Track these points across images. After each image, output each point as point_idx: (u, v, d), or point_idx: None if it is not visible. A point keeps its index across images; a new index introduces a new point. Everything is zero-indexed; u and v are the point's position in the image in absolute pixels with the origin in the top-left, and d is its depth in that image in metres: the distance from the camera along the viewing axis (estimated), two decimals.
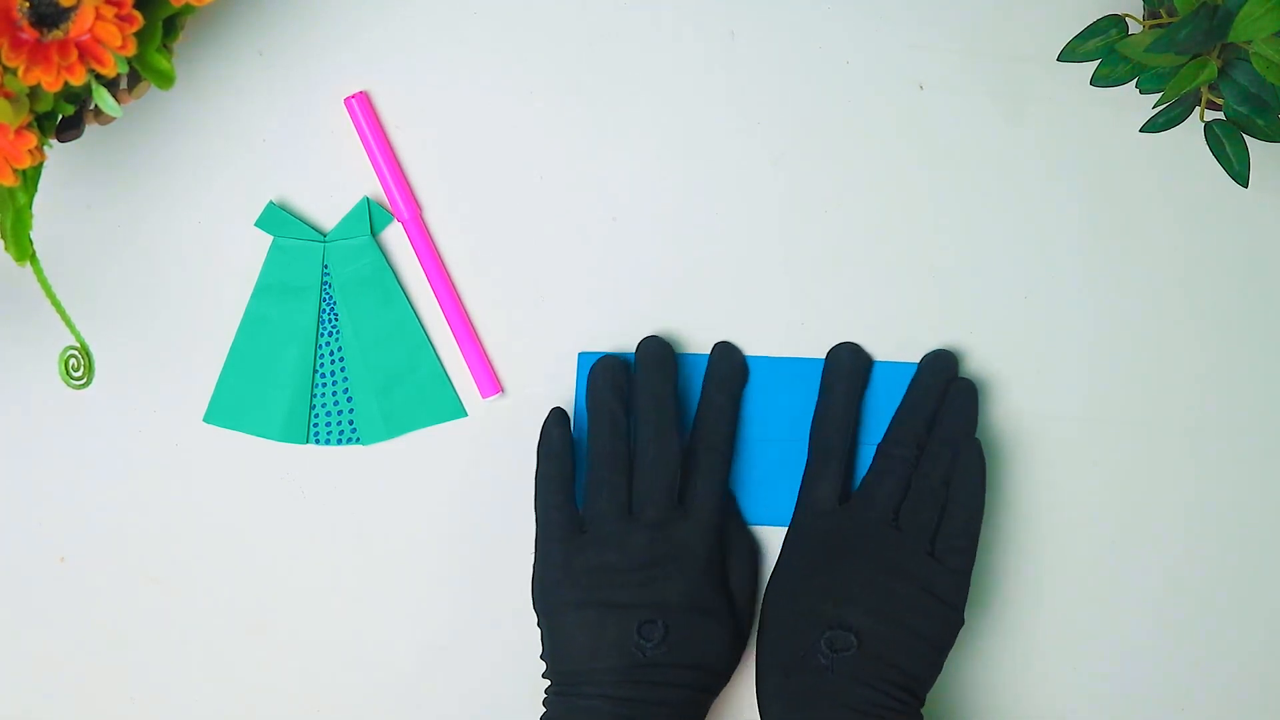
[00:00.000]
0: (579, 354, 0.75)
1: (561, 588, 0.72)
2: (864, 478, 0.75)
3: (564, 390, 0.76)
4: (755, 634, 0.75)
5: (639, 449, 0.73)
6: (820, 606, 0.72)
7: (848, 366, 0.75)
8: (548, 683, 0.73)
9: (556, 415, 0.74)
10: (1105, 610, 0.78)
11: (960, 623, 0.73)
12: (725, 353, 0.75)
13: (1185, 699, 0.78)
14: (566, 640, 0.72)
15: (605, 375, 0.73)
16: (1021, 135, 0.76)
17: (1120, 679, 0.78)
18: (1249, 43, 0.64)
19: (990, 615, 0.77)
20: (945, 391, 0.74)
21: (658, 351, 0.74)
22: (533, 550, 0.74)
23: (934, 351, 0.75)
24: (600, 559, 0.72)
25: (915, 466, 0.73)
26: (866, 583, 0.72)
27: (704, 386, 0.75)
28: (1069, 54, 0.70)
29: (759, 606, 0.75)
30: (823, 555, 0.73)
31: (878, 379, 0.76)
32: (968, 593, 0.73)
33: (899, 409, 0.75)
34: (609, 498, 0.72)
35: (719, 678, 0.73)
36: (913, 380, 0.75)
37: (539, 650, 0.75)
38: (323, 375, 0.76)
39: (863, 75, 0.75)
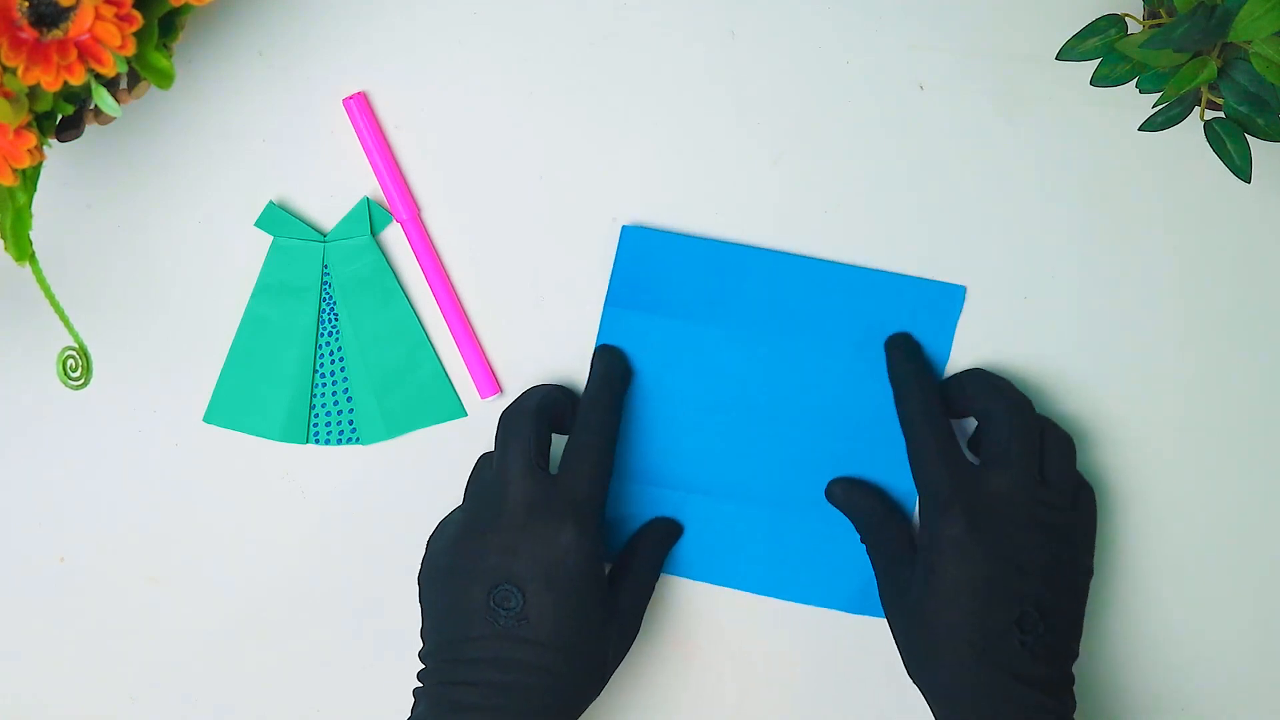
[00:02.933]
0: (623, 226, 0.75)
1: (433, 550, 0.72)
2: (985, 432, 0.72)
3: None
4: (904, 599, 0.71)
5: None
6: (1002, 582, 0.69)
7: (905, 344, 0.75)
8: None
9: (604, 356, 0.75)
10: (1104, 609, 0.78)
11: (1091, 574, 0.73)
12: (608, 353, 0.75)
13: (1184, 699, 0.78)
14: (430, 606, 0.71)
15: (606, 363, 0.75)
16: (1021, 135, 0.76)
17: (1123, 680, 0.78)
18: (1249, 42, 0.64)
19: None
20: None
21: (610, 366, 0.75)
22: None
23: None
24: (469, 520, 0.71)
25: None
26: (1036, 548, 0.69)
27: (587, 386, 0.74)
28: (1068, 53, 0.70)
29: (639, 621, 0.73)
30: (986, 524, 0.70)
31: (857, 283, 0.75)
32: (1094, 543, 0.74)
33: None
34: (489, 477, 0.72)
35: (589, 674, 0.70)
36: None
37: None
38: (323, 375, 0.76)
39: (863, 75, 0.75)
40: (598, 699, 0.72)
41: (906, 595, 0.71)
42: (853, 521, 0.75)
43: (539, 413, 0.71)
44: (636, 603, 0.73)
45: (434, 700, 0.69)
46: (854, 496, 0.75)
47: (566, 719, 0.70)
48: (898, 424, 0.74)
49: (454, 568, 0.70)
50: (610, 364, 0.75)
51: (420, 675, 0.71)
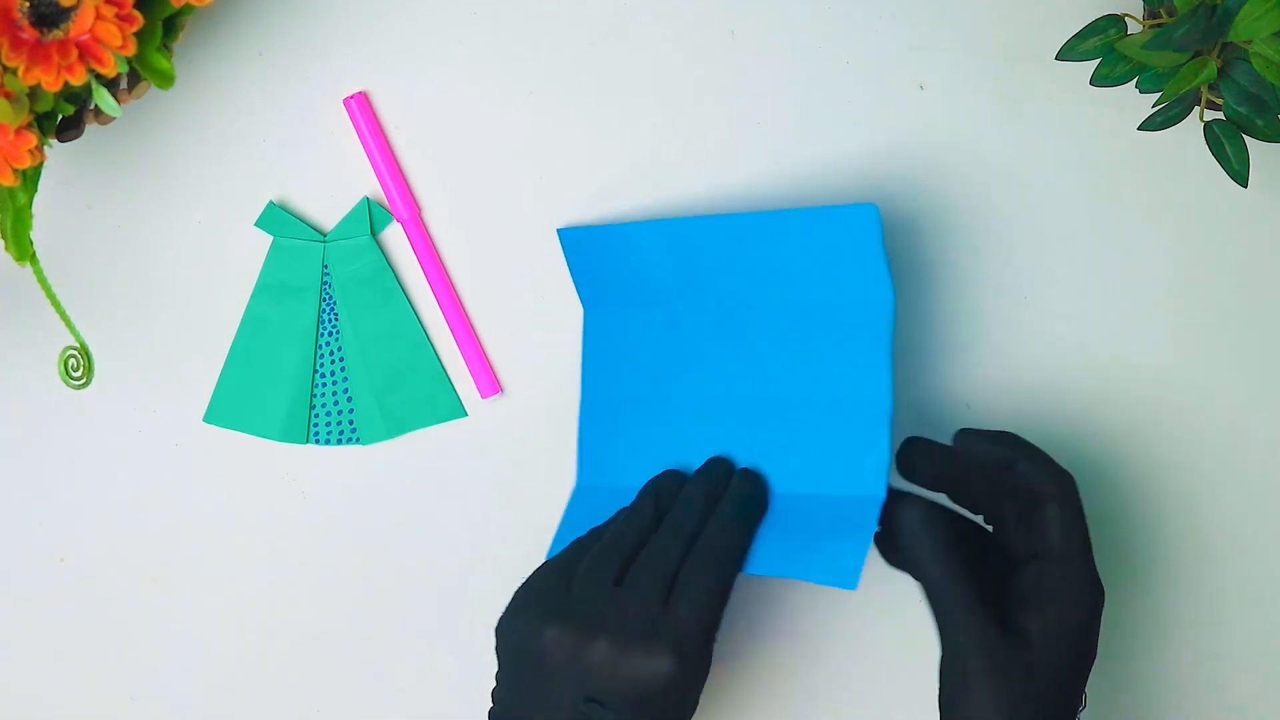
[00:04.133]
0: (558, 230, 0.74)
1: (530, 628, 0.66)
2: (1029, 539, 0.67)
3: (565, 390, 0.76)
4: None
5: (656, 534, 0.68)
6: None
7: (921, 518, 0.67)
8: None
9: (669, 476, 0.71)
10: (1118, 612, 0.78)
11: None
12: (747, 478, 0.71)
13: (1184, 699, 0.78)
14: (518, 683, 0.67)
15: (659, 481, 0.71)
16: (1021, 135, 0.76)
17: (1122, 680, 0.78)
18: (1249, 42, 0.64)
19: None
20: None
21: (722, 474, 0.71)
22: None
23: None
24: (572, 615, 0.66)
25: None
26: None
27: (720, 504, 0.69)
28: (1068, 53, 0.70)
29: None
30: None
31: (775, 227, 0.70)
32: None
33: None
34: (600, 562, 0.67)
35: None
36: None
37: None
38: (323, 375, 0.76)
39: (863, 75, 0.75)
40: None
41: (1011, 664, 0.65)
42: (918, 576, 0.67)
43: (650, 515, 0.69)
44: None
45: None
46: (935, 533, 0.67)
47: None
48: (852, 361, 0.70)
49: (547, 657, 0.66)
50: (751, 490, 0.70)
51: None
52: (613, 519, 0.71)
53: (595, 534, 0.70)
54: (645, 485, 0.72)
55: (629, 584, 0.66)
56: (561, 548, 0.71)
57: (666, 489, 0.71)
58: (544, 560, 0.70)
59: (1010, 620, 0.66)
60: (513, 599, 0.68)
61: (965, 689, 0.64)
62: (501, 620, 0.68)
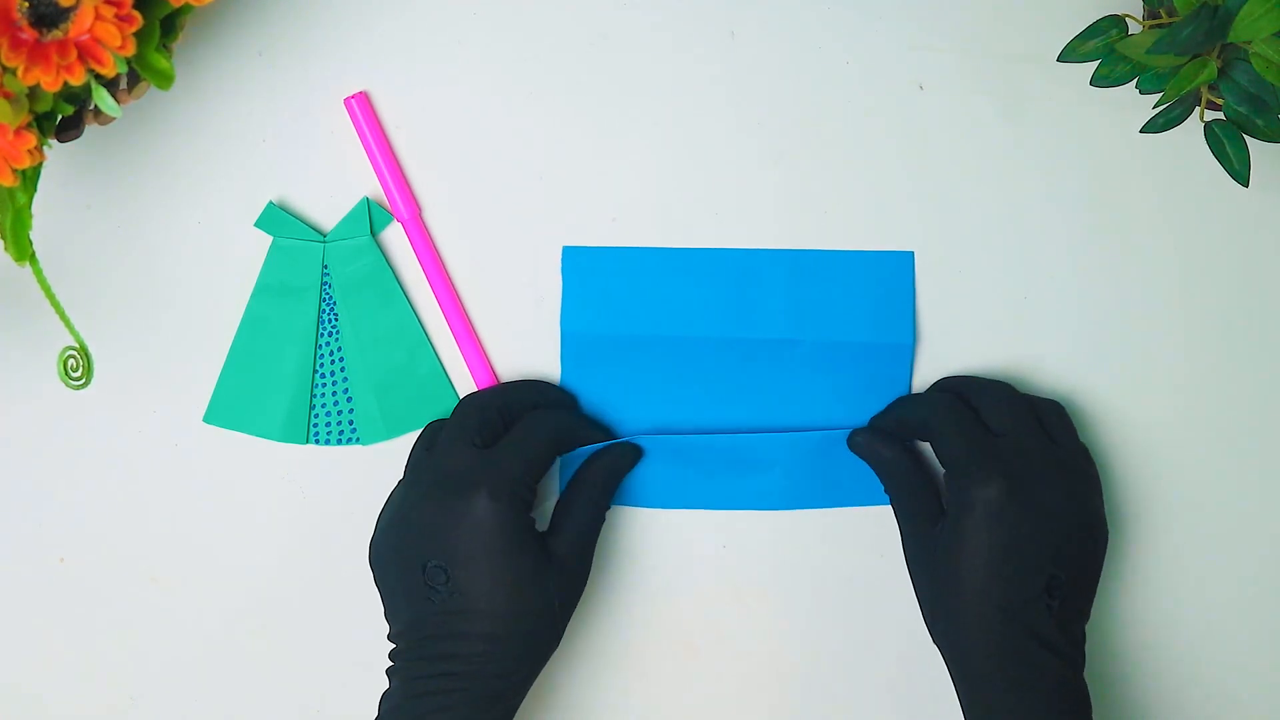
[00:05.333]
0: (564, 247, 0.75)
1: (378, 535, 0.72)
2: (987, 417, 0.73)
3: None
4: (942, 561, 0.71)
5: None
6: (1039, 544, 0.69)
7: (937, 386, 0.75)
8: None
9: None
10: (1103, 609, 0.78)
11: (1107, 536, 0.73)
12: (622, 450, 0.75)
13: (1183, 699, 0.78)
14: (382, 591, 0.72)
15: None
16: (1021, 135, 0.76)
17: (1122, 680, 0.78)
18: (1249, 43, 0.64)
19: None
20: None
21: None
22: None
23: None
24: (399, 499, 0.71)
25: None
26: (1064, 515, 0.70)
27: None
28: (1069, 54, 0.70)
29: (586, 563, 0.72)
30: (1023, 486, 0.70)
31: (824, 266, 0.75)
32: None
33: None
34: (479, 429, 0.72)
35: (538, 631, 0.70)
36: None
37: None
38: (323, 375, 0.76)
39: (862, 75, 0.75)
40: (564, 646, 0.72)
41: (933, 555, 0.71)
42: (876, 472, 0.75)
43: (494, 403, 0.73)
44: (577, 545, 0.72)
45: (405, 679, 0.69)
46: (877, 447, 0.74)
47: (528, 676, 0.70)
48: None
49: (391, 549, 0.71)
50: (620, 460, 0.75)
51: (391, 655, 0.71)
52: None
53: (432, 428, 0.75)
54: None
55: (444, 445, 0.71)
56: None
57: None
58: None
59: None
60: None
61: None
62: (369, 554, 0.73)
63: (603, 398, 0.76)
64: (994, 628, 0.69)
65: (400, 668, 0.70)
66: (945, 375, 0.76)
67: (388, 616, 0.71)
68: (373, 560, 0.72)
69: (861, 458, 0.75)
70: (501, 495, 0.69)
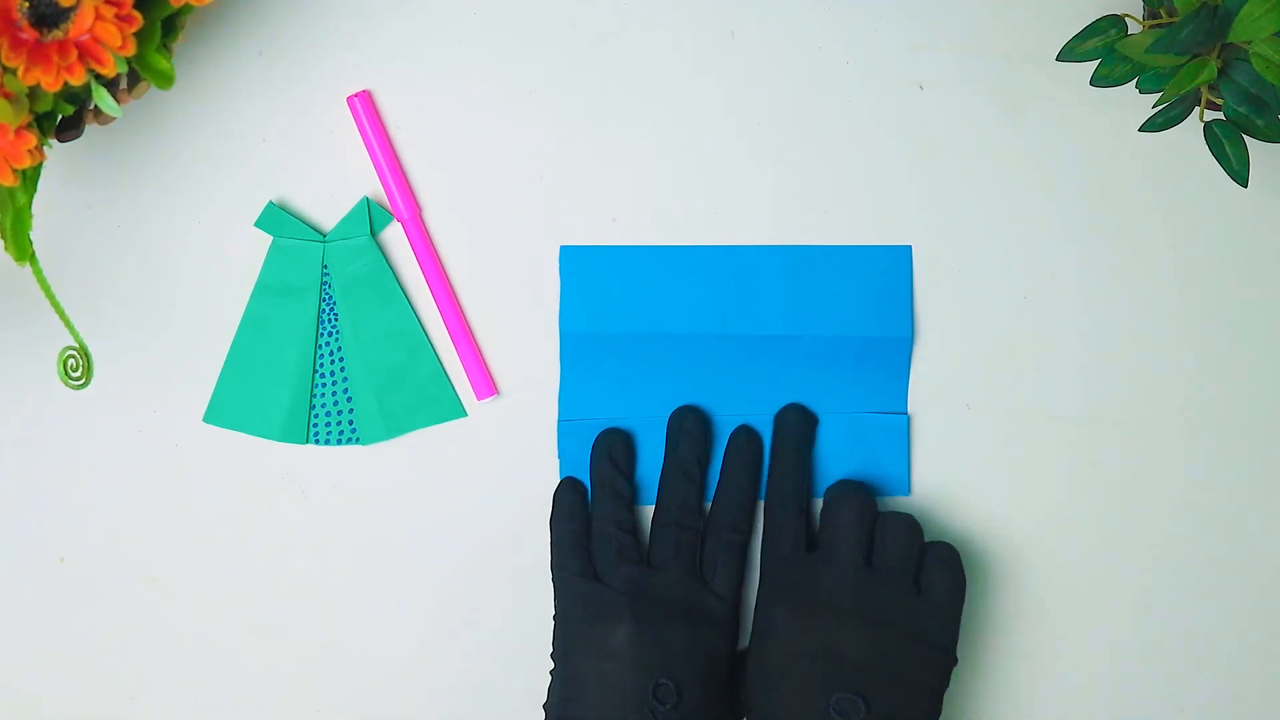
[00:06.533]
0: (561, 247, 0.75)
1: (582, 629, 0.72)
2: (820, 528, 0.74)
3: None
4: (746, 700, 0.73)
5: (660, 508, 0.74)
6: (819, 668, 0.70)
7: (795, 425, 0.75)
8: None
9: (568, 483, 0.75)
10: (1102, 612, 0.78)
11: (954, 663, 0.72)
12: (747, 437, 0.75)
13: (1183, 700, 0.78)
14: (579, 688, 0.71)
15: (603, 449, 0.75)
16: (1021, 135, 0.76)
17: (1119, 682, 0.78)
18: (1249, 43, 0.64)
19: (982, 630, 0.77)
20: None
21: (692, 425, 0.75)
22: (552, 604, 0.74)
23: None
24: (619, 603, 0.72)
25: (872, 511, 0.73)
26: (859, 636, 0.70)
27: (723, 469, 0.75)
28: (1068, 54, 0.70)
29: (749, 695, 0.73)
30: (805, 610, 0.71)
31: (822, 261, 0.75)
32: (958, 628, 0.72)
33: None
34: (619, 553, 0.73)
35: None
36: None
37: (537, 650, 0.75)
38: (323, 375, 0.76)
39: (862, 75, 0.75)
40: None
41: (743, 659, 0.73)
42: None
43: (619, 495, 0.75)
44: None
45: None
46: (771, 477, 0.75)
47: None
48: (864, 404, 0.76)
49: (610, 649, 0.71)
50: (693, 442, 0.75)
51: None
52: (574, 509, 0.74)
53: (566, 532, 0.74)
54: (592, 473, 0.75)
55: (661, 562, 0.73)
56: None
57: (608, 460, 0.75)
58: (553, 570, 0.74)
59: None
60: (561, 617, 0.73)
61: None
62: (558, 635, 0.73)
63: (602, 396, 0.76)
64: None
65: None
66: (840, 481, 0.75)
67: (565, 704, 0.72)
68: (573, 651, 0.72)
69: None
70: (731, 628, 0.73)
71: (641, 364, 0.75)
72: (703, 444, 0.75)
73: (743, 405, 0.76)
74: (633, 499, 0.75)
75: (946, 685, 0.72)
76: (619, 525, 0.73)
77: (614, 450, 0.75)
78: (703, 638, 0.72)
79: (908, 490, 0.76)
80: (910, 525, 0.72)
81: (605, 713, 0.70)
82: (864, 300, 0.75)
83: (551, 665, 0.74)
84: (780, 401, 0.76)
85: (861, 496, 0.73)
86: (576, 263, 0.75)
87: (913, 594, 0.71)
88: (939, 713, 0.72)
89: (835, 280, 0.75)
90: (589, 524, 0.74)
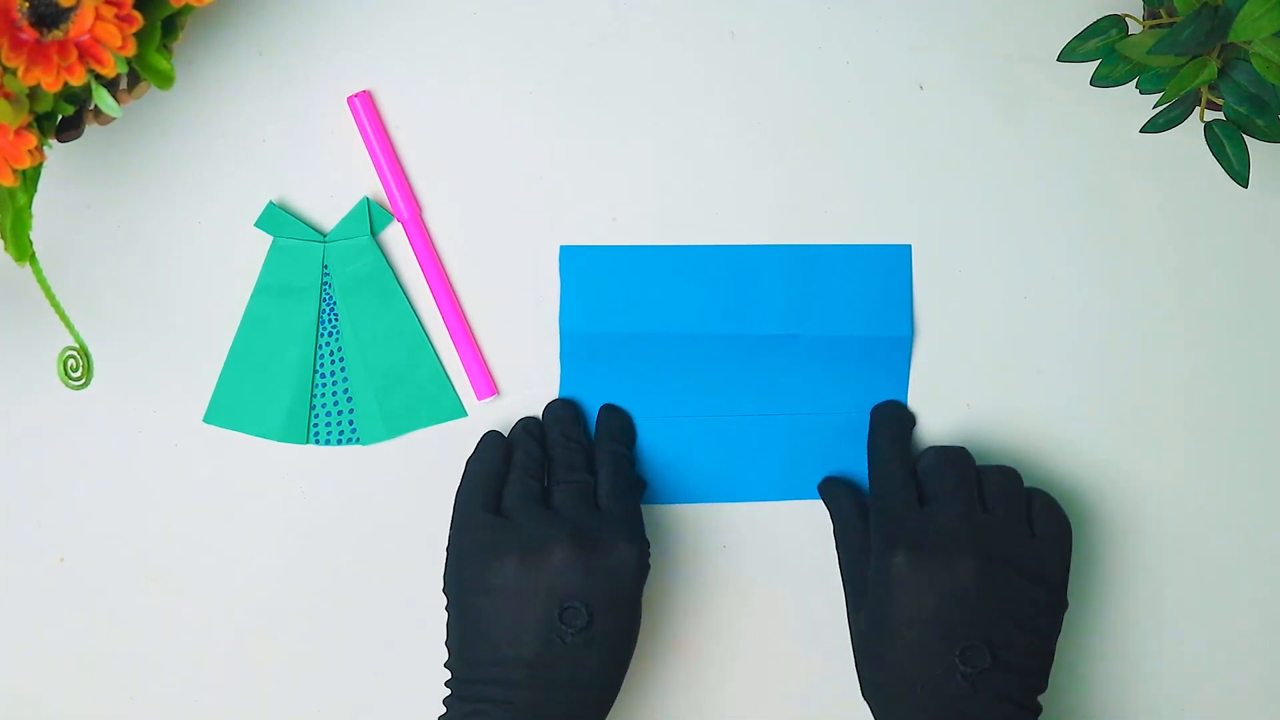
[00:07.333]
0: (561, 246, 0.75)
1: (482, 568, 0.70)
2: (926, 484, 0.72)
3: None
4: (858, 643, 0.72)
5: (552, 461, 0.74)
6: (944, 615, 0.69)
7: (893, 407, 0.76)
8: (447, 675, 0.71)
9: (490, 436, 0.75)
10: (1102, 611, 0.78)
11: (1065, 606, 0.71)
12: (612, 413, 0.76)
13: (1183, 700, 0.78)
14: (481, 623, 0.70)
15: (530, 423, 0.76)
16: (1021, 135, 0.76)
17: (1118, 681, 0.78)
18: (1249, 43, 0.64)
19: None
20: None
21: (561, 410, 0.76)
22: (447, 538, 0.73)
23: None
24: (518, 532, 0.70)
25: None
26: (981, 578, 0.69)
27: (596, 441, 0.76)
28: (1069, 54, 0.70)
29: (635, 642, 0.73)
30: (929, 555, 0.69)
31: (822, 261, 0.75)
32: (1069, 570, 0.71)
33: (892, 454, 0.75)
34: (523, 489, 0.72)
35: (611, 687, 0.71)
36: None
37: None
38: (323, 375, 0.76)
39: (862, 75, 0.75)
40: None
41: (859, 619, 0.72)
42: (831, 518, 0.76)
43: (533, 436, 0.75)
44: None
45: (516, 708, 0.69)
46: (831, 492, 0.76)
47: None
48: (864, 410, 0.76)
49: (510, 585, 0.70)
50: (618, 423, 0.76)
51: (451, 684, 0.71)
52: (490, 455, 0.74)
53: (480, 473, 0.73)
54: (514, 430, 0.76)
55: (560, 503, 0.71)
56: None
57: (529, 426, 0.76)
58: (456, 502, 0.73)
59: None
60: (452, 551, 0.72)
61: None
62: (450, 573, 0.71)
63: (603, 396, 0.76)
64: (912, 699, 0.69)
65: (502, 695, 0.69)
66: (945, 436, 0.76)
67: (464, 644, 0.71)
68: (467, 588, 0.71)
69: (822, 498, 0.76)
70: (637, 539, 0.71)
71: (642, 364, 0.75)
72: (577, 423, 0.76)
73: (743, 405, 0.76)
74: (546, 454, 0.74)
75: (1059, 631, 0.71)
76: (528, 471, 0.73)
77: (550, 410, 0.75)
78: (602, 557, 0.70)
79: None
80: (1013, 474, 0.72)
81: (510, 644, 0.69)
82: (864, 299, 0.75)
83: (445, 602, 0.72)
84: (781, 401, 0.76)
85: (962, 452, 0.73)
86: (576, 263, 0.75)
87: (1028, 535, 0.71)
88: (1051, 661, 0.71)
89: (835, 279, 0.75)
90: (502, 472, 0.74)
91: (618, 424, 0.76)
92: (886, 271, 0.75)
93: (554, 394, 0.76)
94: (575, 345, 0.75)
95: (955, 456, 0.72)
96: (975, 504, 0.71)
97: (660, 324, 0.75)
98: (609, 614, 0.70)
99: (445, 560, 0.72)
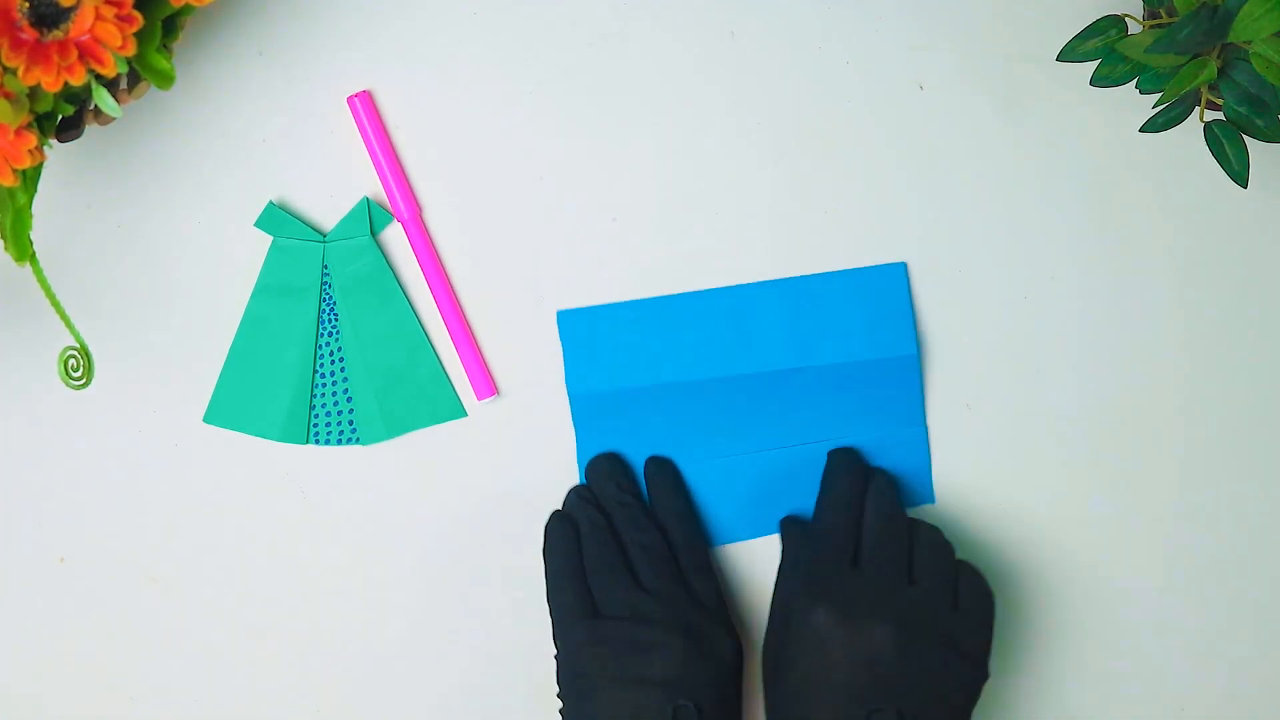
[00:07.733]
0: (558, 312, 0.75)
1: (592, 663, 0.71)
2: (864, 544, 0.73)
3: (561, 394, 0.76)
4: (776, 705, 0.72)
5: (626, 544, 0.74)
6: (859, 677, 0.69)
7: (846, 454, 0.75)
8: None
9: (555, 521, 0.75)
10: (1101, 611, 0.78)
11: (986, 677, 0.71)
12: (660, 467, 0.76)
13: (1183, 699, 0.78)
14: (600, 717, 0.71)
15: (582, 490, 0.76)
16: (1021, 135, 0.76)
17: (1118, 680, 0.78)
18: (1249, 43, 0.64)
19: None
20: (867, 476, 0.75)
21: (606, 466, 0.76)
22: (552, 641, 0.74)
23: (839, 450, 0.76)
24: (626, 632, 0.71)
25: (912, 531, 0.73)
26: (900, 648, 0.69)
27: (651, 499, 0.76)
28: (1069, 54, 0.70)
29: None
30: (852, 618, 0.70)
31: (818, 290, 0.75)
32: (991, 643, 0.72)
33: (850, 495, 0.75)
34: (611, 580, 0.72)
35: None
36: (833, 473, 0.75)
37: (537, 649, 0.75)
38: (323, 375, 0.76)
39: (862, 75, 0.75)
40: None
41: (770, 656, 0.73)
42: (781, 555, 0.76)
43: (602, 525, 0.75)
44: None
45: None
46: (788, 532, 0.76)
47: None
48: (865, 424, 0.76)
49: (623, 687, 0.70)
50: (667, 479, 0.76)
51: None
52: (563, 546, 0.74)
53: (562, 571, 0.74)
54: (569, 501, 0.76)
55: (648, 582, 0.72)
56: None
57: (581, 500, 0.76)
58: (551, 605, 0.74)
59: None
60: (561, 660, 0.72)
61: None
62: (563, 678, 0.72)
63: (619, 451, 0.76)
64: None
65: None
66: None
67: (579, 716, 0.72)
68: (585, 685, 0.71)
69: (780, 534, 0.76)
70: (733, 629, 0.73)
71: (653, 415, 0.76)
72: (626, 475, 0.76)
73: (759, 442, 0.76)
74: (604, 513, 0.75)
75: (976, 701, 0.71)
76: (602, 543, 0.74)
77: (594, 469, 0.76)
78: (707, 651, 0.71)
79: (933, 499, 0.77)
80: (945, 543, 0.72)
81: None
82: (865, 323, 0.75)
83: (560, 705, 0.73)
84: (796, 435, 0.76)
85: (906, 522, 0.73)
86: (576, 325, 0.75)
87: (952, 607, 0.71)
88: None
89: (833, 307, 0.75)
90: (580, 556, 0.74)
91: (671, 479, 0.76)
92: (884, 292, 0.75)
93: (554, 394, 0.76)
94: (585, 406, 0.75)
95: (897, 530, 0.72)
96: (905, 576, 0.71)
97: (666, 374, 0.75)
98: (718, 706, 0.71)
99: (556, 667, 0.73)
